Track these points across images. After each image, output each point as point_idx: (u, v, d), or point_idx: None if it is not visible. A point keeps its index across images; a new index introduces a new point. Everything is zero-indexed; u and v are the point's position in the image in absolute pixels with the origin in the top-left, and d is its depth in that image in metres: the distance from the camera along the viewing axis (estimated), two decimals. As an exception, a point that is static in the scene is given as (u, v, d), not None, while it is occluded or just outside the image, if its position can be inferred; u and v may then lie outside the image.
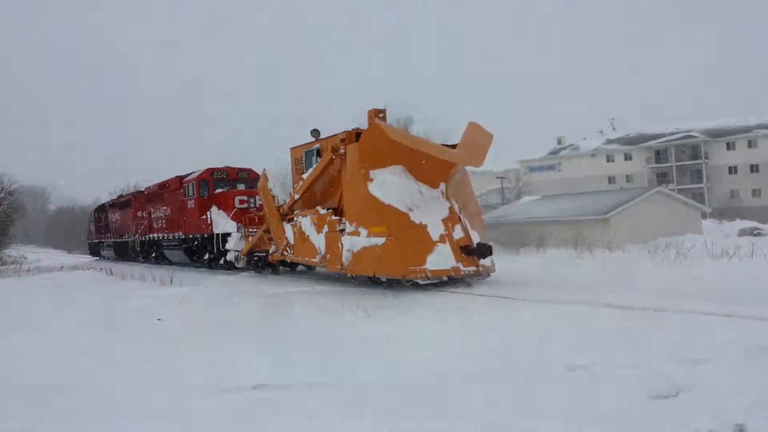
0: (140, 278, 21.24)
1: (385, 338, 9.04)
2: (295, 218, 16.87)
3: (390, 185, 13.36)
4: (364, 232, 13.35)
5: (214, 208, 23.05)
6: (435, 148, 13.43)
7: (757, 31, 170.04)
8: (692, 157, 70.40)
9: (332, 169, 15.04)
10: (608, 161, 75.10)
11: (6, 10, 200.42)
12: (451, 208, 13.66)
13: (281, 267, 20.04)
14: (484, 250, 13.30)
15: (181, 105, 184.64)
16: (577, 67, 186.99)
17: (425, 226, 13.09)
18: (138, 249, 32.53)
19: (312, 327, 10.22)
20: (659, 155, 72.59)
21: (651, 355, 6.92)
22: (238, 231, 21.75)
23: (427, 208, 13.39)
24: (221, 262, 22.43)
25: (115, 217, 37.51)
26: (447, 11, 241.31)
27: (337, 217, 14.74)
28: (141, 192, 32.99)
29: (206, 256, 23.85)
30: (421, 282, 13.12)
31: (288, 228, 17.35)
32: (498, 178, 57.47)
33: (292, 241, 17.17)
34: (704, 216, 42.92)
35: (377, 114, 14.20)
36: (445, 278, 13.26)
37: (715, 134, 70.13)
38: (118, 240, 36.85)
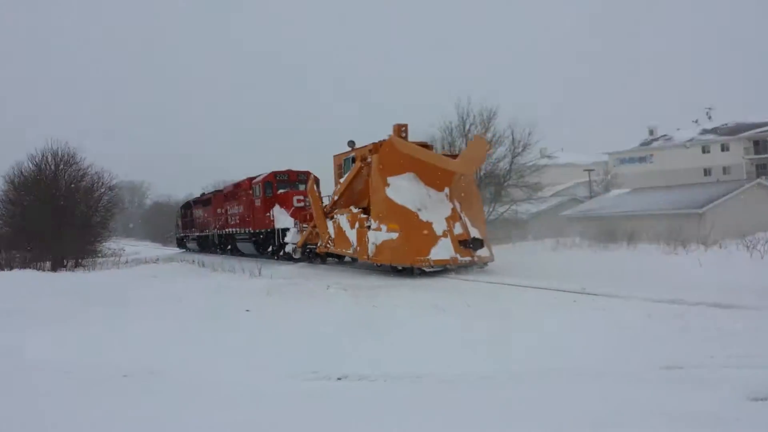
0: (230, 270, 22.39)
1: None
2: (335, 216, 19.46)
3: (403, 189, 16.22)
4: (383, 228, 16.23)
5: (276, 207, 25.82)
6: (437, 158, 16.64)
7: None
8: (795, 147, 66.15)
9: (362, 175, 17.87)
10: (704, 152, 71.44)
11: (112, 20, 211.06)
12: (453, 209, 16.43)
13: (328, 258, 22.35)
14: (477, 244, 16.07)
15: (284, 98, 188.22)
16: (669, 55, 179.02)
17: (431, 223, 15.86)
18: (216, 242, 36.32)
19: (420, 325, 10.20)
20: (758, 146, 68.48)
21: (756, 356, 6.58)
22: (294, 226, 24.25)
23: (434, 208, 16.23)
24: (281, 253, 25.12)
25: (198, 213, 41.65)
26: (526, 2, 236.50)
27: (365, 216, 17.44)
28: (220, 191, 36.53)
29: (270, 249, 26.56)
30: (426, 269, 15.73)
31: (330, 224, 19.83)
32: (585, 170, 55.74)
33: (333, 236, 19.61)
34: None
35: (400, 129, 17.23)
36: (451, 266, 15.88)
37: (822, 122, 65.59)
38: (200, 234, 40.80)
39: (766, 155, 67.92)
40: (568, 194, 52.23)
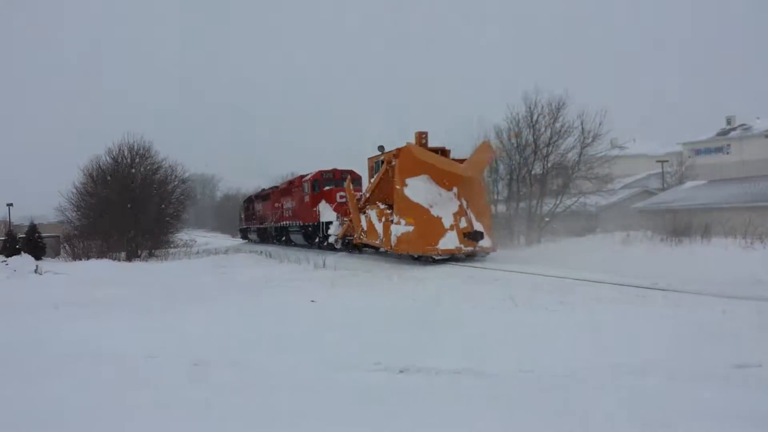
0: (296, 261, 23.42)
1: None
2: (367, 211, 21.80)
3: (418, 189, 18.74)
4: (402, 221, 18.60)
5: (322, 202, 28.85)
6: (446, 163, 19.19)
7: None
8: None
9: (388, 176, 20.29)
10: (787, 142, 68.10)
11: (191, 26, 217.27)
12: (460, 205, 18.85)
13: (363, 248, 24.37)
14: (478, 236, 18.39)
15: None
16: (747, 41, 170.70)
17: (440, 218, 18.37)
18: (273, 233, 40.05)
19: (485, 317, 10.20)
20: None
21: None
22: (337, 220, 26.71)
23: (443, 205, 18.71)
24: (324, 244, 27.79)
25: (258, 207, 45.54)
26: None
27: (389, 211, 19.68)
28: (276, 187, 40.43)
29: (316, 240, 29.68)
30: (435, 257, 18.33)
31: (363, 218, 22.19)
32: (658, 162, 53.89)
33: (365, 228, 21.95)
34: None
35: (421, 136, 20.07)
36: (460, 255, 18.48)
37: None
38: (260, 226, 44.89)
39: None
40: (640, 186, 50.61)
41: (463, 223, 18.48)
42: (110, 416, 5.71)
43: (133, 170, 34.75)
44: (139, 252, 32.49)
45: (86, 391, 6.51)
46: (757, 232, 22.32)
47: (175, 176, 37.52)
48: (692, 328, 8.03)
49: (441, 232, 18.24)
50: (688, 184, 46.22)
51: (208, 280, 19.33)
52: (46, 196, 43.46)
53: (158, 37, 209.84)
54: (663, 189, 48.68)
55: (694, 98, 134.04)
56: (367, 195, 22.31)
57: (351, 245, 24.92)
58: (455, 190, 19.15)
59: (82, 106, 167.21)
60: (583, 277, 13.11)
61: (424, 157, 18.90)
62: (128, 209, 31.62)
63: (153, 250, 33.83)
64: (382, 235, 20.01)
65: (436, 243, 18.12)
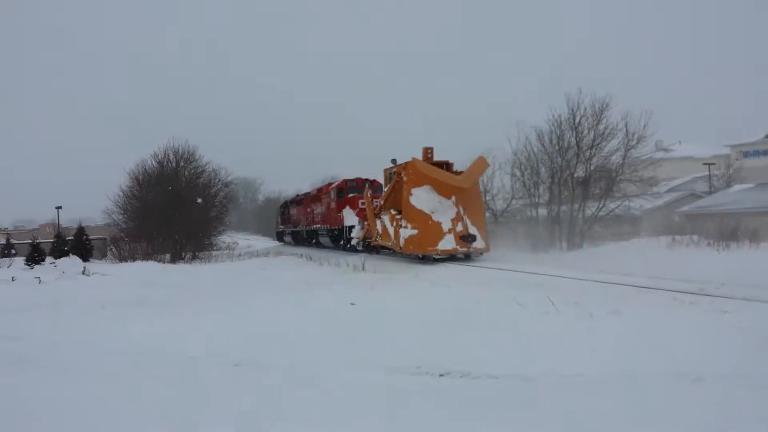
0: (335, 264, 23.90)
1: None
2: (381, 216, 24.71)
3: (422, 197, 21.80)
4: (408, 226, 21.71)
5: (346, 208, 31.77)
6: (445, 176, 22.15)
7: None
8: None
9: (398, 186, 23.19)
10: (840, 144, 65.86)
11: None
12: (457, 212, 21.72)
13: (381, 249, 26.50)
14: (472, 238, 21.35)
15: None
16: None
17: (440, 223, 21.41)
18: (305, 236, 43.29)
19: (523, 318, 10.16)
20: None
21: None
22: (359, 224, 29.34)
23: (443, 211, 21.69)
24: (347, 246, 30.56)
25: (293, 211, 48.61)
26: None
27: (399, 216, 22.58)
28: (308, 193, 43.71)
29: (341, 242, 32.39)
30: (435, 257, 21.41)
31: (378, 223, 25.12)
32: (705, 164, 52.57)
33: (380, 232, 24.81)
34: None
35: (427, 151, 23.48)
36: (459, 255, 21.70)
37: None
38: (294, 229, 48.18)
39: None
40: (686, 189, 49.50)
41: (459, 227, 21.41)
42: (147, 414, 5.82)
43: (178, 174, 35.39)
44: (183, 254, 33.04)
45: (132, 391, 6.64)
46: (809, 237, 21.66)
47: (219, 180, 38.11)
48: (740, 334, 7.87)
49: (440, 234, 21.23)
50: (736, 187, 45.13)
51: (251, 281, 19.58)
52: (94, 199, 44.67)
53: (212, 46, 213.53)
54: (710, 192, 47.57)
55: (745, 99, 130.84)
56: (382, 202, 25.22)
57: (370, 247, 27.51)
58: (453, 198, 21.99)
59: (130, 112, 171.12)
60: (629, 283, 12.94)
61: (426, 170, 21.98)
62: (173, 212, 32.16)
63: (197, 252, 34.35)
64: (393, 238, 23.02)
65: (437, 244, 21.18)
